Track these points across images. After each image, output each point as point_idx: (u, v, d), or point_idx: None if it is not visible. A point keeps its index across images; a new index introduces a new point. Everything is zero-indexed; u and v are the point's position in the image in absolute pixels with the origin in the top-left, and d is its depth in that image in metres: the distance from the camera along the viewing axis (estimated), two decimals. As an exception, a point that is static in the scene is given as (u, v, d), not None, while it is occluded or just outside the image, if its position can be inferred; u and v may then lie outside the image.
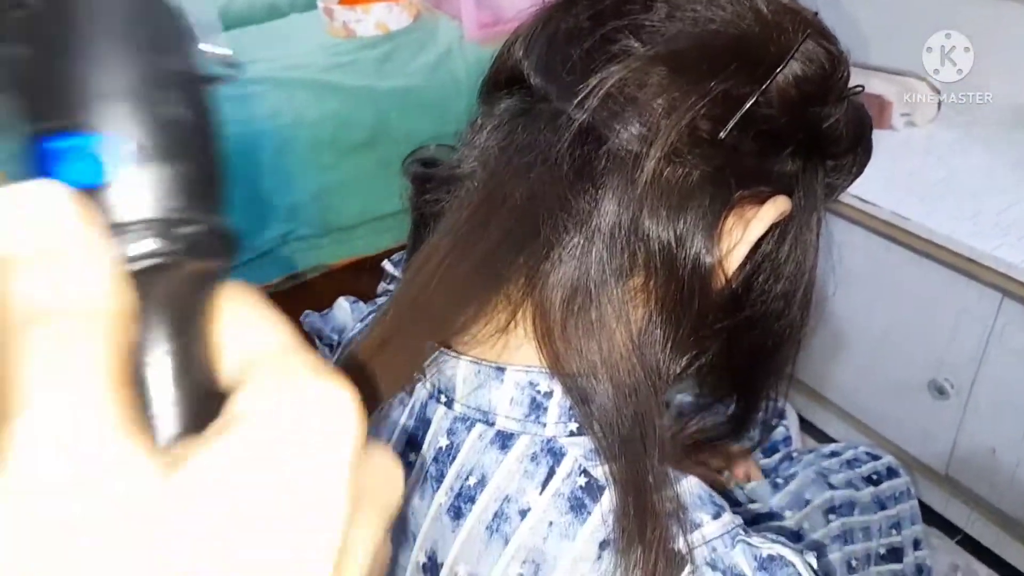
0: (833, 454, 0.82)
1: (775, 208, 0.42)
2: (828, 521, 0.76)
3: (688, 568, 0.38)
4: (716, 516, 0.40)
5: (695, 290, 0.40)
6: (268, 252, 1.01)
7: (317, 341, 0.56)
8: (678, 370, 0.42)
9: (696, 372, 0.46)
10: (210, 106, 0.19)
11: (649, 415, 0.40)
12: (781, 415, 0.89)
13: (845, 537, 0.75)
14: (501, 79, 0.43)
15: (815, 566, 0.39)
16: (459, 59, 1.23)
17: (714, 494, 0.42)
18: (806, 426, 1.44)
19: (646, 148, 0.37)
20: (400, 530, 0.46)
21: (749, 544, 0.39)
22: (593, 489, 0.40)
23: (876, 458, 0.83)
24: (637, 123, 0.38)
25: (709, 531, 0.39)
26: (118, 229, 0.17)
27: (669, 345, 0.41)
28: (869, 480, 0.82)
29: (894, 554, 0.80)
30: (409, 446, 0.46)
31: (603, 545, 0.39)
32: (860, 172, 0.47)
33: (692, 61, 0.38)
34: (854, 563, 0.75)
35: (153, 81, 0.17)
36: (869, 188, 1.13)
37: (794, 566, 0.38)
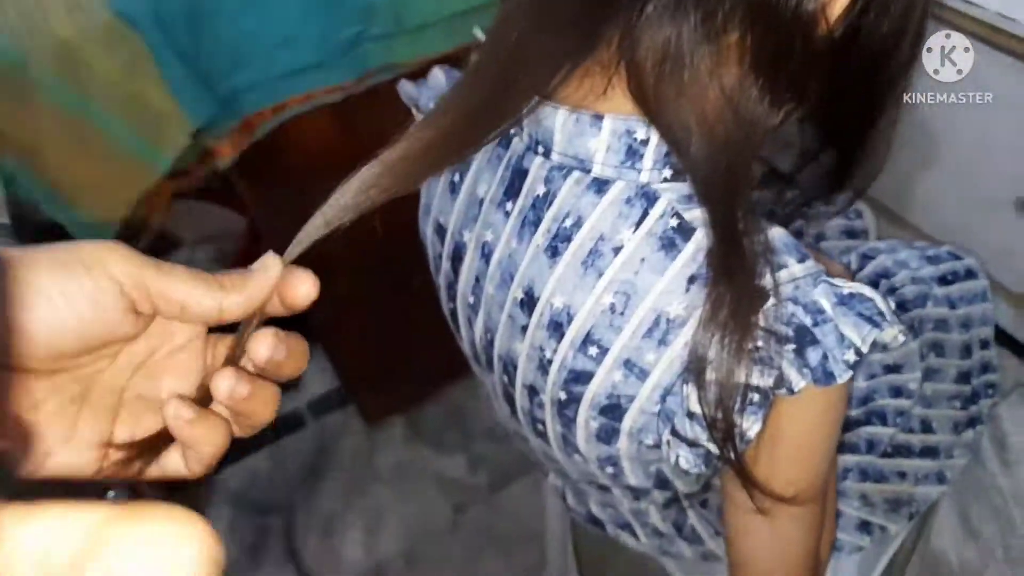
0: (914, 248, 0.82)
1: None
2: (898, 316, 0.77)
3: (771, 301, 0.40)
4: (801, 260, 0.41)
5: (795, 40, 0.39)
6: (343, 54, 1.02)
7: (414, 110, 0.58)
8: (777, 121, 0.42)
9: (795, 121, 0.46)
10: None
11: (743, 165, 0.41)
12: (859, 215, 0.89)
13: (915, 329, 0.77)
14: None
15: (893, 307, 0.41)
16: None
17: (800, 244, 0.43)
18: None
19: None
20: (498, 272, 0.50)
21: (830, 283, 0.41)
22: (684, 230, 0.42)
23: (958, 259, 0.83)
24: None
25: (794, 271, 0.41)
26: None
27: (767, 98, 0.41)
28: (943, 280, 0.82)
29: (964, 350, 0.81)
30: (506, 196, 0.49)
31: (691, 280, 0.41)
32: None
33: None
34: (924, 351, 0.77)
35: None
36: (976, -13, 1.05)
37: (873, 301, 0.40)
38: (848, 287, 0.40)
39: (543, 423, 0.52)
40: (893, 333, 0.40)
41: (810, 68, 0.42)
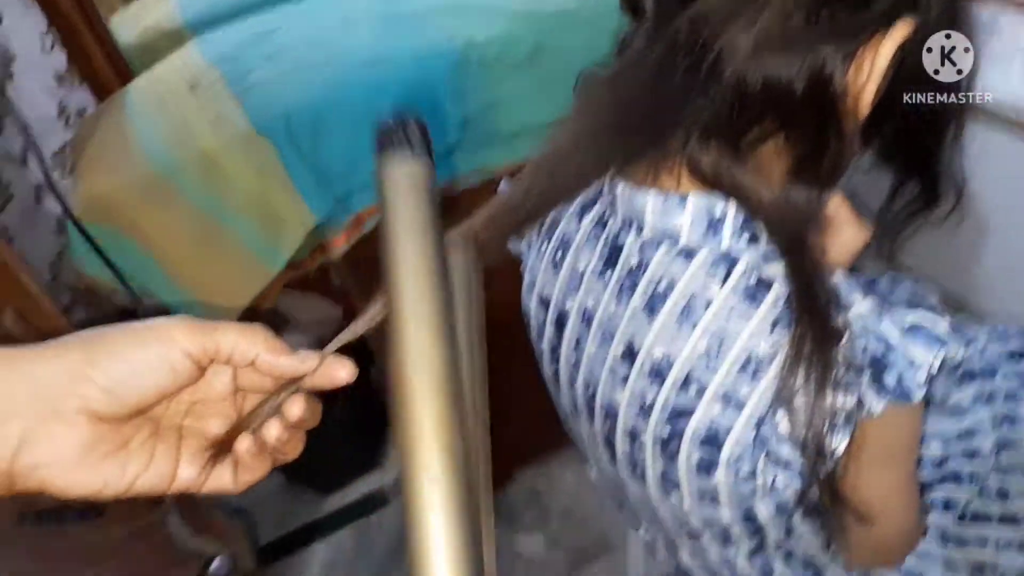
0: (983, 326, 0.87)
1: (891, 42, 0.45)
2: (962, 387, 0.82)
3: (845, 336, 0.47)
4: (865, 297, 0.49)
5: (829, 136, 0.47)
6: (439, 159, 1.15)
7: None
8: (829, 193, 0.50)
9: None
10: None
11: (805, 233, 0.49)
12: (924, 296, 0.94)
13: (985, 400, 0.81)
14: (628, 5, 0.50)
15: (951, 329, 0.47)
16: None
17: (862, 282, 0.50)
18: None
19: (750, 44, 0.43)
20: (599, 332, 0.58)
21: (894, 316, 0.47)
22: (763, 284, 0.50)
23: None
24: (741, 26, 0.43)
25: (861, 309, 0.48)
26: None
27: (815, 182, 0.49)
28: (1012, 356, 0.86)
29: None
30: (605, 267, 0.58)
31: (774, 323, 0.49)
32: None
33: None
34: (996, 422, 0.80)
35: None
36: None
37: (934, 326, 0.46)
38: (911, 318, 0.47)
39: (642, 466, 0.58)
40: (956, 349, 0.46)
41: (848, 149, 0.49)
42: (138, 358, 0.33)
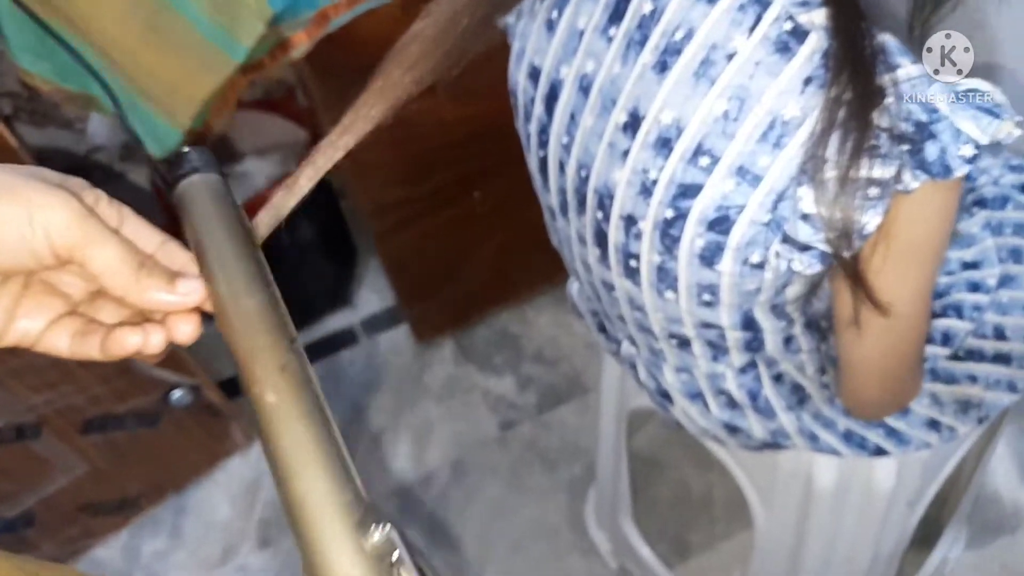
0: (997, 157, 0.81)
1: None
2: (972, 215, 0.76)
3: (889, 99, 0.40)
4: (915, 62, 0.41)
5: None
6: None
7: None
8: None
9: None
10: None
11: None
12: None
13: (993, 228, 0.76)
14: None
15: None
16: None
17: (910, 50, 0.43)
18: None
19: None
20: (598, 101, 0.50)
21: (945, 82, 0.40)
22: (798, 33, 0.42)
23: None
24: None
25: (910, 71, 0.41)
26: None
27: None
28: (1024, 189, 0.80)
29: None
30: (611, 21, 0.49)
31: (807, 81, 0.42)
32: None
33: None
34: (1002, 256, 0.75)
35: None
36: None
37: (990, 94, 0.40)
38: (964, 84, 0.41)
39: (637, 258, 0.52)
40: (1010, 126, 0.40)
41: None
42: (3, 234, 0.31)
